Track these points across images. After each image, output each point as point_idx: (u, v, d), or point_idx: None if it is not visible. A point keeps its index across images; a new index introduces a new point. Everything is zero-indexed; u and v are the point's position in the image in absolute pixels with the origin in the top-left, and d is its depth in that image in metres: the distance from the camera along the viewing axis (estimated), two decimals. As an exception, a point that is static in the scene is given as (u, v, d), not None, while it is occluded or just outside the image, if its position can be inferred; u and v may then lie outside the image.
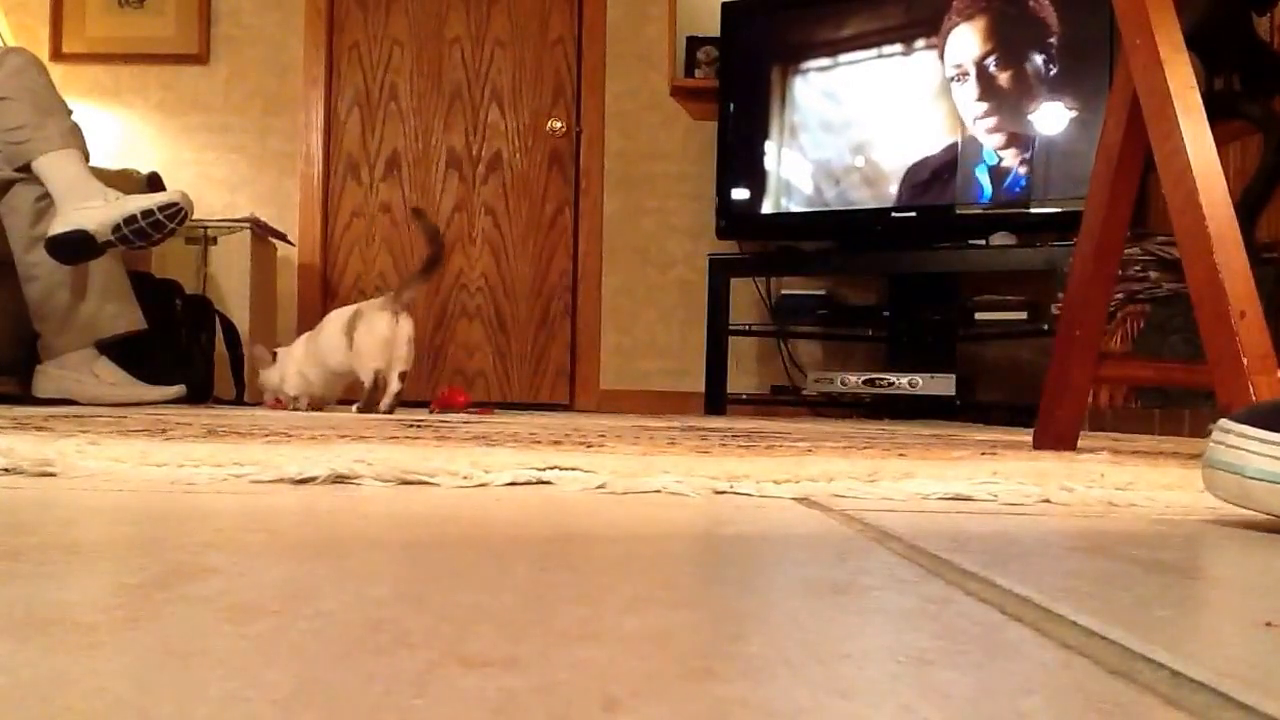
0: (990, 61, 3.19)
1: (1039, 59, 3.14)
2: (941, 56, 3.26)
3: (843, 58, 3.41)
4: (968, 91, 3.22)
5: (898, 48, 3.32)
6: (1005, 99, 3.17)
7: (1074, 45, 3.10)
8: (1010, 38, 3.17)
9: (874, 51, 3.36)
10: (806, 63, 3.47)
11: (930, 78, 3.28)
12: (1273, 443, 0.64)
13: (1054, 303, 2.74)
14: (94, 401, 2.48)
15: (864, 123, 3.37)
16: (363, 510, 0.67)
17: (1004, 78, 3.18)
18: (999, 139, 3.17)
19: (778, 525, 0.64)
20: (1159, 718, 0.26)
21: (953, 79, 3.24)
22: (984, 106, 3.20)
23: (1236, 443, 0.66)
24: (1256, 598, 0.46)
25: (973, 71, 3.21)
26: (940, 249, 3.22)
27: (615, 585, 0.43)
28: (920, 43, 3.29)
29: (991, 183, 3.18)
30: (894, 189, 3.31)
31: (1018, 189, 3.14)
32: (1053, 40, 3.12)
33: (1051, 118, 3.13)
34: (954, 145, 3.23)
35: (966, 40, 3.23)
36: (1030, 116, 3.14)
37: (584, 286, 3.96)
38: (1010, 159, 3.16)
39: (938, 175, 3.24)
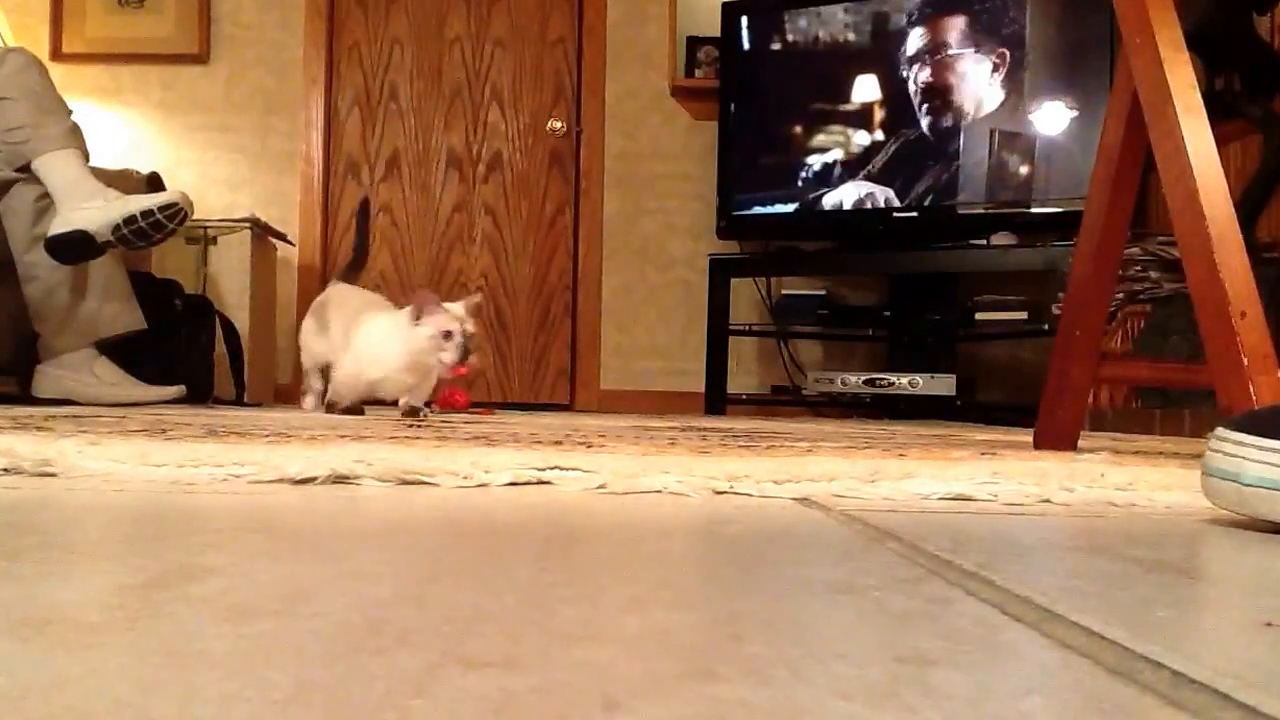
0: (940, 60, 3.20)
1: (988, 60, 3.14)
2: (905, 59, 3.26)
3: (843, 57, 3.41)
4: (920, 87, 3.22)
5: (901, 47, 3.32)
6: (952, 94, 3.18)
7: (1074, 45, 3.10)
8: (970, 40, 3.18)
9: (875, 50, 3.36)
10: (807, 62, 3.47)
11: (932, 75, 3.28)
12: (1269, 449, 0.64)
13: (1054, 303, 2.74)
14: (94, 401, 2.48)
15: (864, 122, 3.37)
16: (363, 510, 0.67)
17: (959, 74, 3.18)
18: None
19: (778, 525, 0.64)
20: (1159, 718, 0.26)
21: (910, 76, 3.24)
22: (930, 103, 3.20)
23: (1233, 450, 0.66)
24: (1256, 598, 0.46)
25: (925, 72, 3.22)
26: (940, 249, 3.22)
27: (615, 585, 0.43)
28: (920, 42, 3.29)
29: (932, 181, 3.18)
30: (894, 188, 3.31)
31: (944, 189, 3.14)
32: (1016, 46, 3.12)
33: (1051, 117, 3.13)
34: (955, 143, 3.23)
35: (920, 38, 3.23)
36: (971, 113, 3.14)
37: (584, 286, 3.96)
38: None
39: (936, 173, 3.24)
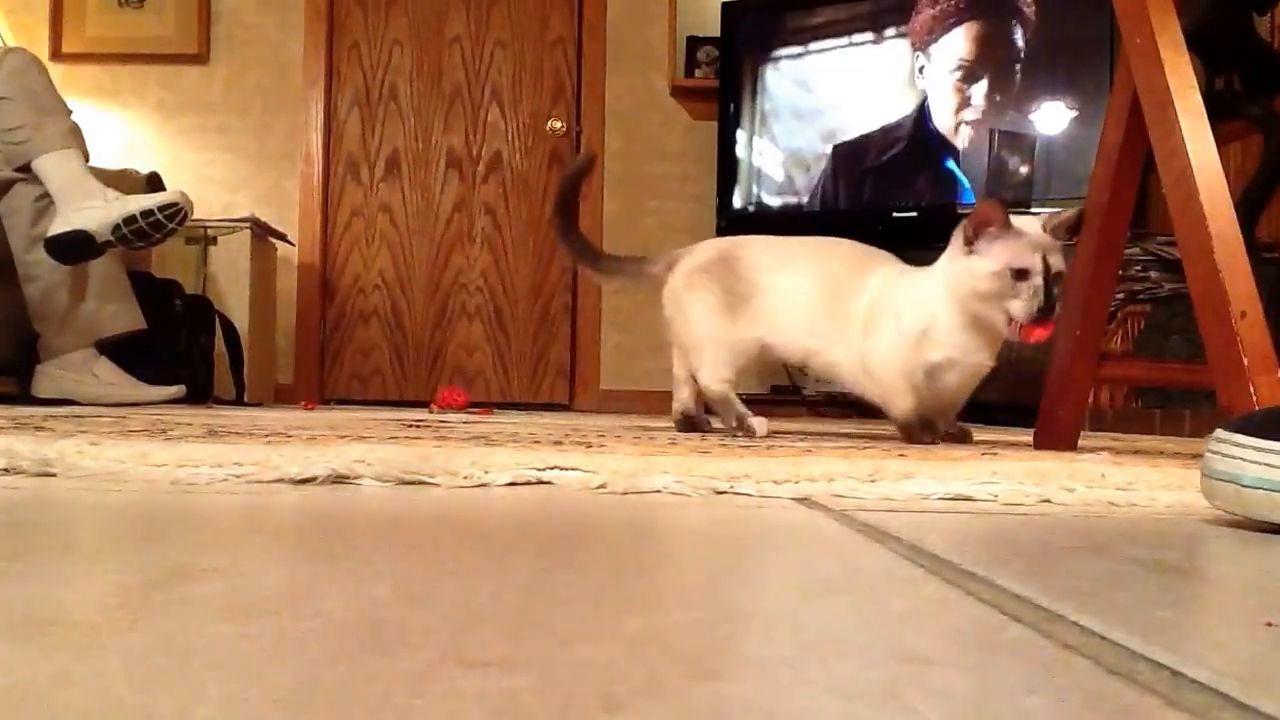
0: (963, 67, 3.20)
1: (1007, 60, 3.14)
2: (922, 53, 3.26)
3: (844, 57, 3.41)
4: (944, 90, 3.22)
5: (901, 46, 3.32)
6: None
7: (1074, 45, 3.10)
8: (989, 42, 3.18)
9: (876, 50, 3.36)
10: (807, 62, 3.47)
11: (932, 75, 3.28)
12: (1268, 450, 0.64)
13: (1054, 303, 2.73)
14: (94, 401, 2.48)
15: (865, 122, 3.37)
16: (363, 510, 0.67)
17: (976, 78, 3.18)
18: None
19: (778, 525, 0.64)
20: (1159, 718, 0.26)
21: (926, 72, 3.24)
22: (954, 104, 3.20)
23: (1232, 452, 0.66)
24: (1256, 598, 0.46)
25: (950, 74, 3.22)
26: (940, 249, 3.21)
27: (615, 585, 0.43)
28: (918, 41, 3.29)
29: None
30: (894, 188, 3.31)
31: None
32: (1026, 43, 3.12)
33: (1051, 117, 3.13)
34: (955, 143, 3.23)
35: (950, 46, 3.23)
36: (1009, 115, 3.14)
37: (584, 286, 3.96)
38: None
39: (936, 172, 3.24)
